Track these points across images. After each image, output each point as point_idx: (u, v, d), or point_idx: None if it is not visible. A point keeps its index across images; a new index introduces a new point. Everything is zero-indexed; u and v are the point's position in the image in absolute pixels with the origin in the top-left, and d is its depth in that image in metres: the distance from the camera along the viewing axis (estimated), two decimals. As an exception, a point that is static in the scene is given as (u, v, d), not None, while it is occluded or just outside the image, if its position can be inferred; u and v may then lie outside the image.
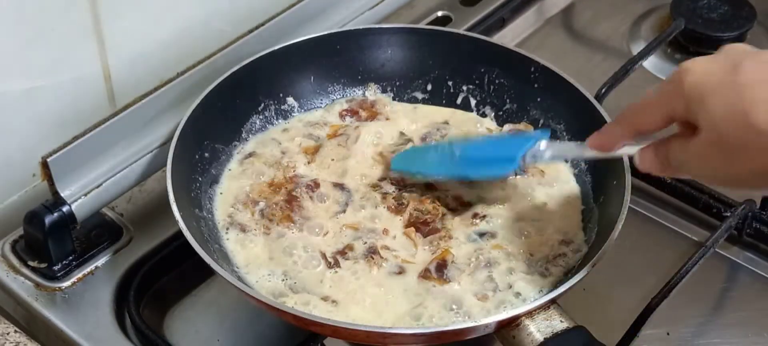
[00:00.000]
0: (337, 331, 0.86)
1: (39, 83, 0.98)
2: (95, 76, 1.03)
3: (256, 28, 1.10)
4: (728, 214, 1.04)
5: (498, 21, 1.31)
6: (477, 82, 1.12)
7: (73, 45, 1.00)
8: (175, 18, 1.08)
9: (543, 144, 0.93)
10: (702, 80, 0.71)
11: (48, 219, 0.95)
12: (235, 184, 1.02)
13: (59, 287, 0.97)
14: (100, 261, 1.00)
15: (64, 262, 0.98)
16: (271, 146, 1.07)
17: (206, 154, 1.03)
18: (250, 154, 1.06)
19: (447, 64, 1.13)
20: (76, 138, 0.97)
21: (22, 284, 0.97)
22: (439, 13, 1.32)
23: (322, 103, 1.13)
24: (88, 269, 0.99)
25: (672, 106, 0.74)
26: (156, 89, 1.03)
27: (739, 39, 1.30)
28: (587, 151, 0.87)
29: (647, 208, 1.10)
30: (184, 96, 1.04)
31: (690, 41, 1.31)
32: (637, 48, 1.31)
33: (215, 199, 1.01)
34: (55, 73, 1.00)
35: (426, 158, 1.04)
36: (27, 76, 0.98)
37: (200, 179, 1.01)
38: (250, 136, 1.08)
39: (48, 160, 0.94)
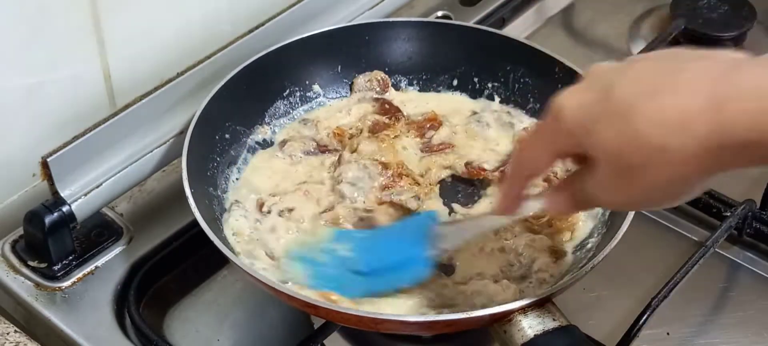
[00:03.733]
0: (330, 313, 0.86)
1: (39, 83, 0.98)
2: (95, 76, 1.03)
3: (256, 28, 1.10)
4: (728, 214, 1.04)
5: (498, 21, 1.31)
6: (502, 79, 1.12)
7: (73, 45, 1.00)
8: (175, 18, 1.08)
9: (445, 230, 0.88)
10: (581, 114, 0.71)
11: (48, 219, 0.95)
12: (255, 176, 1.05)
13: (59, 287, 0.97)
14: (100, 261, 1.00)
15: (64, 262, 0.98)
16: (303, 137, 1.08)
17: (227, 136, 1.04)
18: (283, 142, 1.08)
19: (474, 61, 1.14)
20: (76, 138, 0.97)
21: (22, 284, 0.97)
22: (439, 13, 1.32)
23: (347, 93, 1.14)
24: (88, 269, 0.99)
25: (557, 145, 0.75)
26: (156, 89, 1.03)
27: (739, 39, 1.31)
28: (496, 220, 0.86)
29: (647, 208, 1.10)
30: (185, 96, 1.04)
31: (690, 41, 1.30)
32: (637, 48, 1.31)
33: (231, 179, 1.03)
34: (55, 72, 1.00)
35: (330, 277, 0.92)
36: (27, 75, 0.98)
37: (218, 159, 1.03)
38: (273, 120, 1.10)
39: (48, 160, 0.94)
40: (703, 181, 0.70)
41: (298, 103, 1.12)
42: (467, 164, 1.05)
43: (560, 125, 0.72)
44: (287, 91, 1.11)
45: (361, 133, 1.08)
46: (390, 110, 1.11)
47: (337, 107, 1.13)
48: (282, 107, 1.11)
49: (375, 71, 1.14)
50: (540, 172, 0.80)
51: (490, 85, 1.13)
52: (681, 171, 0.68)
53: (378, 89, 1.13)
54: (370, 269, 0.91)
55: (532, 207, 0.82)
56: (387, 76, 1.14)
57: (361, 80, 1.13)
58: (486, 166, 1.05)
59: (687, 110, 0.66)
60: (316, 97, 1.13)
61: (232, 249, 0.92)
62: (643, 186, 0.70)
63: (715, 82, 0.66)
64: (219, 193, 1.00)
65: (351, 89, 1.14)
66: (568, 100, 0.72)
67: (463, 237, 0.90)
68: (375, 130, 1.09)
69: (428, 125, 1.10)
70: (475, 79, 1.14)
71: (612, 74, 0.71)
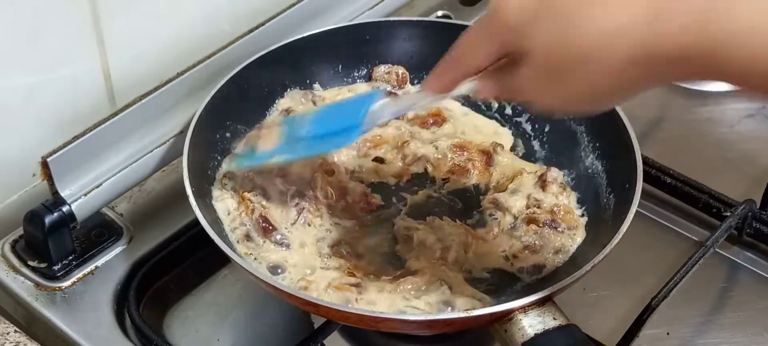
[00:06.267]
0: (330, 312, 0.86)
1: (39, 83, 0.99)
2: (95, 76, 1.03)
3: (256, 28, 1.10)
4: (728, 214, 1.04)
5: (498, 21, 1.31)
6: None
7: (73, 44, 1.00)
8: (175, 18, 1.08)
9: (380, 103, 0.92)
10: (520, 13, 0.73)
11: (48, 219, 0.95)
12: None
13: (59, 287, 0.97)
14: (100, 261, 1.00)
15: (64, 262, 0.98)
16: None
17: (227, 134, 1.05)
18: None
19: None
20: (76, 138, 0.97)
21: (22, 284, 0.97)
22: (439, 13, 1.32)
23: (359, 82, 1.15)
24: (88, 269, 0.99)
25: (499, 42, 0.76)
26: (156, 89, 1.03)
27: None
28: (425, 98, 0.87)
29: (647, 208, 1.10)
30: (185, 96, 1.04)
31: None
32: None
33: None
34: (55, 72, 1.00)
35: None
36: (27, 75, 0.98)
37: (219, 157, 1.03)
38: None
39: (48, 160, 0.94)
40: (628, 92, 0.73)
41: (299, 102, 1.12)
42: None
43: (500, 22, 0.74)
44: (287, 90, 1.11)
45: None
46: None
47: (348, 89, 1.14)
48: (283, 106, 1.11)
49: (397, 66, 1.14)
50: (476, 68, 0.80)
51: None
52: (608, 80, 0.71)
53: (395, 83, 1.13)
54: (312, 134, 0.96)
55: (462, 90, 0.83)
56: (407, 73, 1.14)
57: (381, 70, 1.13)
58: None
59: (622, 19, 0.68)
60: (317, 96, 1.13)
61: (232, 248, 0.92)
62: (569, 89, 0.73)
63: None
64: (219, 192, 1.01)
65: (370, 77, 1.14)
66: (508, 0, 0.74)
67: (394, 111, 0.94)
68: None
69: (431, 120, 1.10)
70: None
71: None
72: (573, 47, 0.70)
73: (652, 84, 0.72)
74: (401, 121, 1.10)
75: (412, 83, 1.15)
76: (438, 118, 1.10)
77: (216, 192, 0.99)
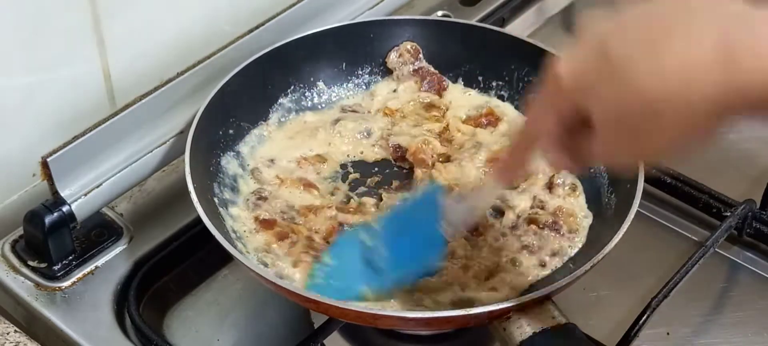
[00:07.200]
0: (330, 309, 0.86)
1: (39, 83, 0.99)
2: (95, 76, 1.04)
3: (256, 27, 1.10)
4: (728, 214, 1.04)
5: (498, 21, 1.31)
6: (507, 78, 1.12)
7: (73, 44, 1.00)
8: (175, 18, 1.08)
9: (450, 203, 0.89)
10: (578, 78, 0.67)
11: (48, 219, 0.95)
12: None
13: (59, 287, 0.97)
14: (100, 261, 1.00)
15: (64, 262, 0.98)
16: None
17: (230, 131, 1.05)
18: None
19: (478, 59, 1.14)
20: (76, 138, 0.97)
21: (22, 284, 0.97)
22: (439, 13, 1.32)
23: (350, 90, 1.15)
24: (88, 269, 0.99)
25: (561, 110, 0.70)
26: (156, 89, 1.03)
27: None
28: (496, 189, 0.86)
29: (647, 208, 1.10)
30: (185, 95, 1.04)
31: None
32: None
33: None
34: (55, 72, 1.00)
35: (349, 274, 0.92)
36: (27, 75, 0.98)
37: (221, 153, 1.03)
38: (277, 116, 1.10)
39: (48, 160, 0.94)
40: (710, 136, 0.65)
41: (302, 100, 1.12)
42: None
43: (557, 90, 0.69)
44: (291, 87, 1.11)
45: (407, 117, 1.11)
46: (433, 81, 1.12)
47: (372, 92, 1.14)
48: (286, 103, 1.11)
49: (403, 43, 1.14)
50: (545, 140, 0.74)
51: (494, 83, 1.13)
52: (686, 131, 0.64)
53: (411, 60, 1.13)
54: (389, 263, 0.91)
55: (536, 165, 0.79)
56: (415, 43, 1.14)
57: (393, 57, 1.14)
58: None
59: (692, 63, 0.60)
60: (320, 94, 1.13)
61: (233, 245, 0.92)
62: (645, 145, 0.67)
63: (725, 32, 0.60)
64: (221, 189, 1.00)
65: (386, 68, 1.15)
66: (564, 67, 0.68)
67: (468, 210, 0.90)
68: (428, 109, 1.11)
69: (486, 120, 1.10)
70: (480, 78, 1.14)
71: (606, 29, 0.66)
72: (641, 103, 0.63)
73: (737, 124, 0.64)
74: (438, 109, 1.11)
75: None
76: (492, 118, 1.11)
77: (239, 204, 1.00)
